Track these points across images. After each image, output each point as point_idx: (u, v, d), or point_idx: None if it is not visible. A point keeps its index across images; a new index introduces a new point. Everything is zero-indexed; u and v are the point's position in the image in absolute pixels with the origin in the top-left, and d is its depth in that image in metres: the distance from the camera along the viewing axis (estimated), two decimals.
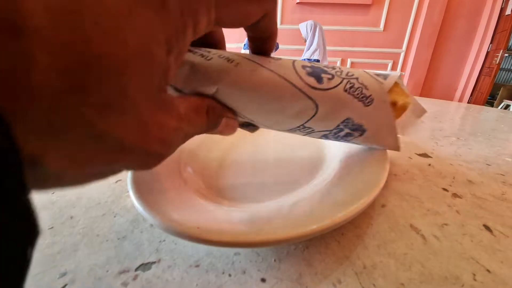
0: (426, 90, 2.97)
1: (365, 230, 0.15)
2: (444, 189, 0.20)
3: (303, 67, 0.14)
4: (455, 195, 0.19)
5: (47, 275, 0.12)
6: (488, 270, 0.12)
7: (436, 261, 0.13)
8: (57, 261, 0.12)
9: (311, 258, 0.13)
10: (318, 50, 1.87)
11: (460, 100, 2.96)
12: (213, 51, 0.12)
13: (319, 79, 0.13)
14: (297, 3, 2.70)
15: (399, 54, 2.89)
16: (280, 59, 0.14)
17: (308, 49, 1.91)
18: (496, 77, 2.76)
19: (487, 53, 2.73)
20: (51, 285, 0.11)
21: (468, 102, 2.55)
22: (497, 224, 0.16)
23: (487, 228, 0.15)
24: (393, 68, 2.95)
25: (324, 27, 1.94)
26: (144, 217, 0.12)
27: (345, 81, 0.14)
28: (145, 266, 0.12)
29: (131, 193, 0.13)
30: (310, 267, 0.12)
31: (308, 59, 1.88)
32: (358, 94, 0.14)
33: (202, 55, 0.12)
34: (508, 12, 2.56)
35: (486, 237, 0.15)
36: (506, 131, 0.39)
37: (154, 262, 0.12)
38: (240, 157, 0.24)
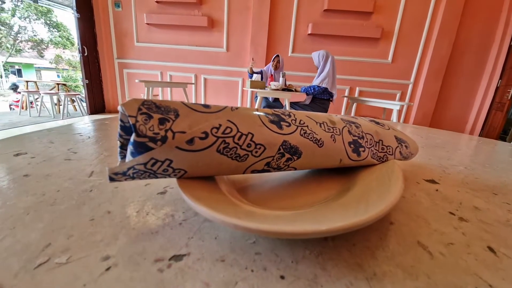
0: (436, 122, 2.97)
1: (374, 243, 0.16)
2: (451, 213, 0.21)
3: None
4: (461, 218, 0.20)
5: (92, 258, 0.13)
6: (490, 286, 0.13)
7: (442, 274, 0.14)
8: (100, 247, 0.14)
9: (324, 263, 0.14)
10: (327, 79, 1.94)
11: (471, 134, 2.93)
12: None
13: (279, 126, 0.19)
14: (308, 34, 2.87)
15: (407, 85, 2.96)
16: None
17: (318, 76, 1.99)
18: (509, 112, 2.74)
19: (497, 88, 2.75)
20: (97, 267, 0.13)
21: (479, 136, 2.52)
22: (501, 246, 0.17)
23: (491, 249, 0.16)
24: (401, 98, 3.00)
25: (334, 57, 2.03)
26: (197, 210, 0.13)
27: (299, 128, 0.20)
28: (177, 257, 0.13)
29: (182, 193, 0.15)
30: (324, 270, 0.13)
31: (318, 86, 1.95)
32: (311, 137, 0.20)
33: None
34: None
35: (489, 257, 0.15)
36: None
37: (185, 255, 0.14)
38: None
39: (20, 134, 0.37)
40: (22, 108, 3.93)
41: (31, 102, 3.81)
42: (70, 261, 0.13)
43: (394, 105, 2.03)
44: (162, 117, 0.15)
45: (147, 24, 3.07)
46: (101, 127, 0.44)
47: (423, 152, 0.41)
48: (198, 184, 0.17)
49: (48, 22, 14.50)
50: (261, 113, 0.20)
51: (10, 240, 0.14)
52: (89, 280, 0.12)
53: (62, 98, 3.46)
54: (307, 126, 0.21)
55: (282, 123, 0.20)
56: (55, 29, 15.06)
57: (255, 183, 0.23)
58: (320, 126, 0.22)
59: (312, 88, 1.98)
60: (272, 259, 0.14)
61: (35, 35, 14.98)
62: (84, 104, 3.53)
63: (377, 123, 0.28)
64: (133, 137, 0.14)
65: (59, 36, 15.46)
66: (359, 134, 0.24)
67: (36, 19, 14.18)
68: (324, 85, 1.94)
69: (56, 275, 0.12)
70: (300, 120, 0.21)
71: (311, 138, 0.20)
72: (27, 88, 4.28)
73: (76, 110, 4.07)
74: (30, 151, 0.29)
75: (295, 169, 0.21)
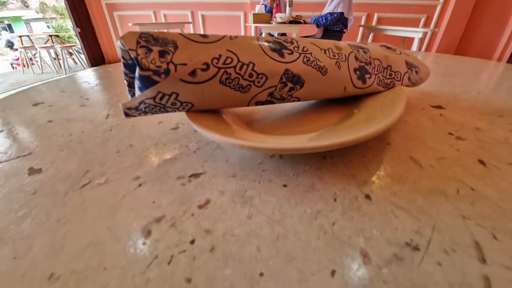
0: (462, 50, 2.67)
1: (369, 159, 0.17)
2: (450, 133, 0.21)
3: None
4: (458, 138, 0.21)
5: (126, 179, 0.16)
6: (472, 189, 0.15)
7: (427, 180, 0.15)
8: (130, 171, 0.16)
9: (322, 175, 0.16)
10: (342, 3, 1.69)
11: (499, 61, 2.64)
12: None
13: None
14: None
15: (435, 7, 2.55)
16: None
17: (332, 1, 1.72)
18: None
19: None
20: (131, 184, 0.15)
21: (507, 63, 2.28)
22: (492, 159, 0.18)
23: (481, 162, 0.18)
24: (426, 24, 2.64)
25: None
26: (206, 136, 0.15)
27: (302, 55, 0.19)
28: (195, 175, 0.16)
29: (191, 123, 0.16)
30: (321, 180, 0.15)
31: (331, 14, 1.73)
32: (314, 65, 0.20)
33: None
34: None
35: (478, 168, 0.17)
36: None
37: (201, 173, 0.16)
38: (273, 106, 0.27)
39: (31, 86, 0.38)
40: (24, 65, 3.86)
41: (31, 59, 3.70)
42: (108, 181, 0.16)
43: (416, 33, 1.81)
44: (161, 49, 0.15)
45: None
46: (105, 75, 0.44)
47: (436, 80, 0.39)
48: (206, 117, 0.18)
49: None
50: (262, 41, 0.19)
51: (53, 171, 0.17)
52: (127, 192, 0.14)
53: (59, 51, 3.32)
54: (311, 53, 0.20)
55: (284, 51, 0.19)
56: None
57: (260, 117, 0.24)
58: (325, 53, 0.21)
59: (323, 18, 1.75)
60: (276, 174, 0.16)
61: None
62: (83, 57, 3.40)
63: (389, 48, 0.27)
64: (137, 72, 0.15)
65: None
66: (366, 60, 0.23)
67: None
68: (339, 10, 1.70)
69: (99, 191, 0.15)
70: (303, 47, 0.20)
71: (314, 65, 0.20)
72: (22, 44, 4.09)
73: (76, 63, 3.95)
74: (46, 101, 0.31)
75: (299, 99, 0.21)
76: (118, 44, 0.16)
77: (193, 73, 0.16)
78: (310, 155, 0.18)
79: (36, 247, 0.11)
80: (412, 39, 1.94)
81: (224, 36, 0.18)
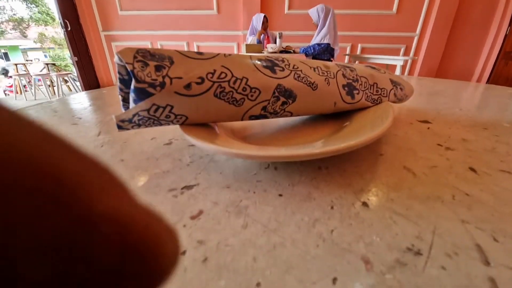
0: (442, 74, 2.87)
1: (364, 169, 0.18)
2: (439, 144, 0.22)
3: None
4: (448, 148, 0.21)
5: None
6: (467, 194, 0.15)
7: (422, 187, 0.15)
8: None
9: (318, 184, 0.16)
10: (328, 34, 1.83)
11: (478, 82, 2.83)
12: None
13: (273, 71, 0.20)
14: None
15: (412, 38, 2.78)
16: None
17: (319, 33, 1.86)
18: None
19: (505, 36, 2.58)
20: None
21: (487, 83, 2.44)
22: (483, 167, 0.18)
23: (472, 169, 0.18)
24: (406, 52, 2.85)
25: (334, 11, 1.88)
26: (202, 148, 0.15)
27: (293, 72, 0.20)
28: (188, 187, 0.15)
29: (186, 135, 0.16)
30: (317, 189, 0.15)
31: (318, 44, 1.85)
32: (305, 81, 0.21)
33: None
34: None
35: (470, 175, 0.17)
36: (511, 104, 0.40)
37: (194, 185, 0.15)
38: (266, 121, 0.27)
39: (23, 107, 0.37)
40: (17, 92, 3.86)
41: (25, 86, 3.73)
42: None
43: (397, 61, 1.95)
44: (158, 64, 0.16)
45: None
46: (100, 96, 0.45)
47: (421, 99, 0.41)
48: (201, 130, 0.18)
49: None
50: (255, 59, 0.20)
51: None
52: None
53: (55, 79, 3.37)
54: (301, 70, 0.21)
55: (275, 68, 0.20)
56: (33, 5, 13.97)
57: (254, 132, 0.25)
58: (314, 71, 0.22)
59: (311, 48, 1.88)
60: (271, 184, 0.15)
61: (14, 14, 13.98)
62: (78, 84, 3.45)
63: (373, 68, 0.28)
64: (133, 84, 0.15)
65: (39, 12, 14.41)
66: (353, 77, 0.24)
67: None
68: (326, 41, 1.83)
69: None
70: (294, 65, 0.21)
71: (305, 81, 0.21)
72: (17, 72, 4.15)
73: (71, 90, 4.00)
74: (37, 119, 0.31)
75: (292, 114, 0.22)
76: (115, 59, 0.16)
77: (188, 86, 0.16)
78: (305, 166, 0.18)
79: None
80: (394, 66, 2.08)
81: (218, 54, 0.19)
